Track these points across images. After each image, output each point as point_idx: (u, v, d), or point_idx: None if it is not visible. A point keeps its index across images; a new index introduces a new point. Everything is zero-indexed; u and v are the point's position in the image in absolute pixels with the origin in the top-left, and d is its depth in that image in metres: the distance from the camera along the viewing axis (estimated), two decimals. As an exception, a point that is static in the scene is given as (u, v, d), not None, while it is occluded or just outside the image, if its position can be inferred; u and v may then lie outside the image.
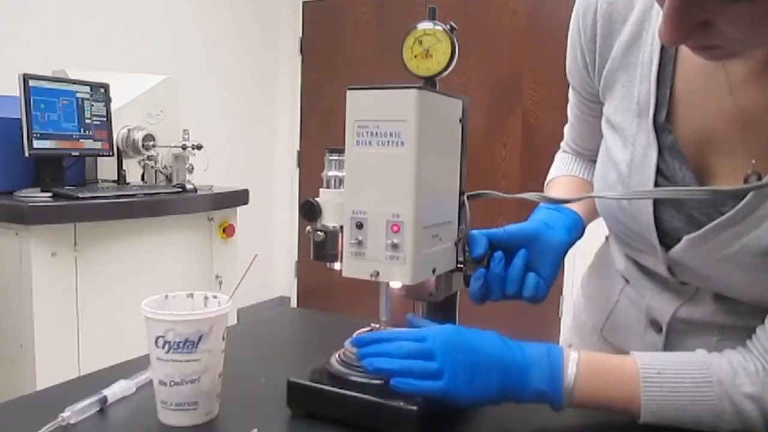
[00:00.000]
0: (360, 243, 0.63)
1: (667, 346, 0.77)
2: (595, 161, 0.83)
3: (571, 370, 0.63)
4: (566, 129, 0.97)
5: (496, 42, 3.41)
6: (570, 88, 0.88)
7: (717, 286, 0.71)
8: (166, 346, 0.63)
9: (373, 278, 0.63)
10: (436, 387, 0.61)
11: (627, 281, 0.83)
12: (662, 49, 0.69)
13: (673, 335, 0.77)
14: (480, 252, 0.72)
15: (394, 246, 0.61)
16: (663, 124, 0.69)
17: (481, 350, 0.63)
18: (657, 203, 0.69)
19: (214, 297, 0.70)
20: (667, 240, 0.70)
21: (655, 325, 0.78)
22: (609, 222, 0.79)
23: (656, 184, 0.69)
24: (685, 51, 0.68)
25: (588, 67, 0.80)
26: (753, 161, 0.64)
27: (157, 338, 0.63)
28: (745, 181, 0.65)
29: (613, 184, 0.74)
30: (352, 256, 0.64)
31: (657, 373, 0.63)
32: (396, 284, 0.66)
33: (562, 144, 1.00)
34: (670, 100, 0.69)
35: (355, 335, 0.69)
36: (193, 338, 0.63)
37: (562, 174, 0.96)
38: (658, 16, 0.69)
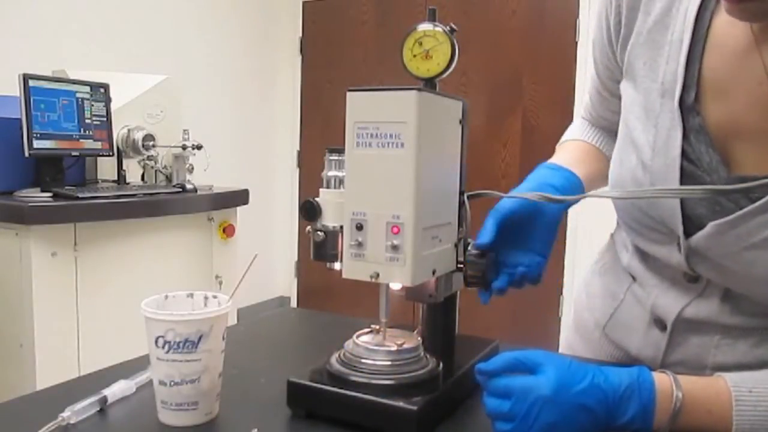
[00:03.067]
0: (360, 244, 0.63)
1: (670, 345, 0.77)
2: (612, 131, 0.82)
3: (677, 393, 0.59)
4: (584, 100, 0.96)
5: (496, 42, 3.41)
6: (593, 63, 0.86)
7: (733, 279, 0.70)
8: (166, 346, 0.63)
9: (373, 279, 0.63)
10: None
11: (633, 279, 0.83)
12: (694, 29, 0.67)
13: (677, 334, 0.77)
14: (485, 240, 0.71)
15: (394, 247, 0.61)
16: (691, 105, 0.68)
17: (566, 412, 0.58)
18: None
19: (214, 297, 0.70)
20: (688, 227, 0.69)
21: (660, 323, 0.78)
22: (624, 210, 0.78)
23: (681, 168, 0.68)
24: (715, 34, 0.67)
25: (613, 43, 0.78)
26: None
27: (157, 338, 0.63)
28: None
29: (632, 167, 0.72)
30: (352, 257, 0.64)
31: (748, 391, 0.59)
32: (396, 285, 0.66)
33: (582, 110, 0.98)
34: (698, 82, 0.68)
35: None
36: (193, 338, 0.63)
37: (575, 138, 0.94)
38: None
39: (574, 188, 0.79)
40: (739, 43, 0.65)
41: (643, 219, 0.74)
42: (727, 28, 0.66)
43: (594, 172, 0.85)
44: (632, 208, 0.75)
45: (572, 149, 0.91)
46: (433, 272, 0.67)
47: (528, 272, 0.74)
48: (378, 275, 0.63)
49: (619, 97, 0.79)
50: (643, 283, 0.81)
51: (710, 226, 0.66)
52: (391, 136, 0.61)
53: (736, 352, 0.73)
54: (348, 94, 0.63)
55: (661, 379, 0.60)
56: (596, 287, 0.92)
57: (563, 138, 0.97)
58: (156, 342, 0.63)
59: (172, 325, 0.63)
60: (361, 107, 0.62)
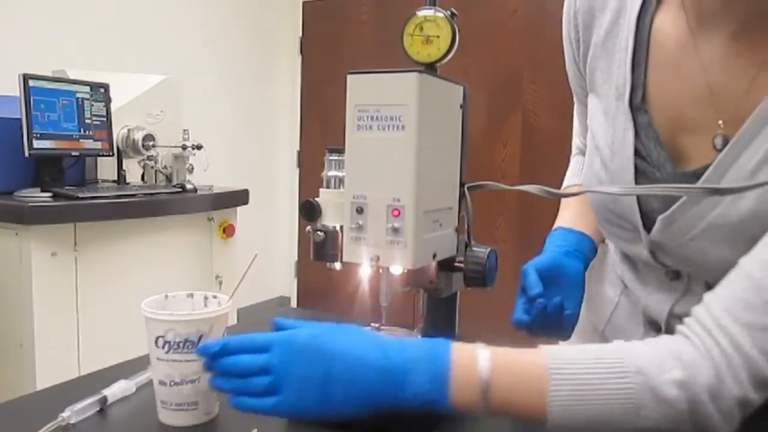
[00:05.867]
0: (360, 228, 0.63)
1: None
2: None
3: (483, 365, 0.55)
4: (575, 126, 0.99)
5: (496, 42, 3.41)
6: (572, 88, 0.90)
7: (697, 269, 0.72)
8: (166, 346, 0.63)
9: (374, 262, 0.63)
10: (267, 404, 0.56)
11: (625, 285, 0.84)
12: (636, 33, 0.71)
13: (671, 334, 0.77)
14: (537, 291, 0.76)
15: (395, 230, 0.61)
16: (638, 104, 0.71)
17: (333, 357, 0.55)
18: (637, 184, 0.71)
19: (214, 297, 0.70)
20: (647, 222, 0.72)
21: (654, 324, 0.79)
22: (597, 211, 0.81)
23: (635, 166, 0.71)
24: (656, 34, 0.70)
25: (577, 60, 0.82)
26: (720, 122, 0.65)
27: (157, 338, 0.63)
28: (713, 143, 0.66)
29: (597, 170, 0.76)
30: (353, 240, 0.64)
31: (565, 364, 0.55)
32: (396, 270, 0.66)
33: (573, 146, 1.01)
34: (644, 82, 0.71)
35: (201, 345, 0.62)
36: (193, 338, 0.63)
37: (574, 183, 0.98)
38: (632, 2, 0.71)
39: (588, 249, 0.86)
40: (678, 39, 0.68)
41: (611, 218, 0.77)
42: (666, 26, 0.69)
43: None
44: (602, 206, 0.78)
45: (574, 204, 0.94)
46: (434, 256, 0.66)
47: (553, 309, 0.77)
48: (378, 258, 0.62)
49: None
50: (631, 287, 0.82)
51: (658, 221, 0.69)
52: (391, 118, 0.60)
53: None
54: (348, 76, 0.63)
55: (466, 351, 0.56)
56: (592, 292, 0.92)
57: (565, 182, 1.00)
58: (156, 342, 0.63)
59: (172, 325, 0.63)
60: (362, 90, 0.62)
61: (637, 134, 0.71)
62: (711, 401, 0.52)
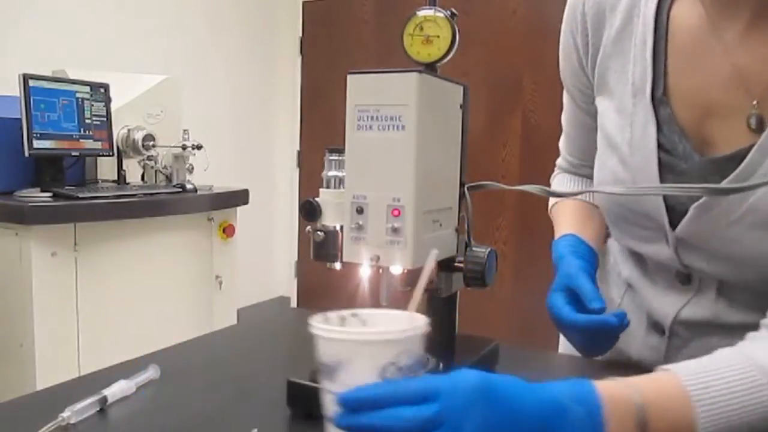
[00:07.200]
0: (360, 227, 0.63)
1: (670, 349, 0.77)
2: (592, 177, 0.82)
3: (637, 399, 0.51)
4: (561, 142, 0.97)
5: (496, 42, 3.41)
6: (564, 94, 0.90)
7: (722, 265, 0.71)
8: (397, 375, 0.47)
9: (374, 262, 0.63)
10: None
11: (629, 285, 0.84)
12: (654, 29, 0.71)
13: (675, 338, 0.77)
14: (601, 305, 0.72)
15: (395, 230, 0.61)
16: (660, 98, 0.71)
17: (515, 413, 0.47)
18: (662, 178, 0.70)
19: (353, 316, 0.57)
20: (672, 218, 0.71)
21: (657, 327, 0.78)
22: (612, 212, 0.80)
23: (658, 159, 0.71)
24: (674, 27, 0.71)
25: (582, 63, 0.82)
26: (754, 102, 0.65)
27: (386, 366, 0.47)
28: (747, 123, 0.65)
29: (613, 167, 0.75)
30: (353, 240, 0.64)
31: (705, 388, 0.53)
32: (396, 269, 0.66)
33: (559, 161, 0.99)
34: (664, 75, 0.71)
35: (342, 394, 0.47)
36: (423, 359, 0.50)
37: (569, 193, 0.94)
38: (647, 2, 0.72)
39: (595, 266, 0.81)
40: (697, 28, 0.68)
41: (630, 217, 0.76)
42: (683, 17, 0.70)
43: (596, 232, 0.87)
44: (620, 207, 0.77)
45: (569, 212, 0.90)
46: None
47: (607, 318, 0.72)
48: (378, 258, 0.62)
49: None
50: (638, 289, 0.82)
51: (692, 209, 0.68)
52: (391, 118, 0.60)
53: None
54: (348, 76, 0.62)
55: (613, 387, 0.52)
56: None
57: (551, 202, 0.96)
58: (384, 371, 0.47)
59: (407, 344, 0.48)
60: (362, 90, 0.62)
61: (659, 128, 0.71)
62: None
